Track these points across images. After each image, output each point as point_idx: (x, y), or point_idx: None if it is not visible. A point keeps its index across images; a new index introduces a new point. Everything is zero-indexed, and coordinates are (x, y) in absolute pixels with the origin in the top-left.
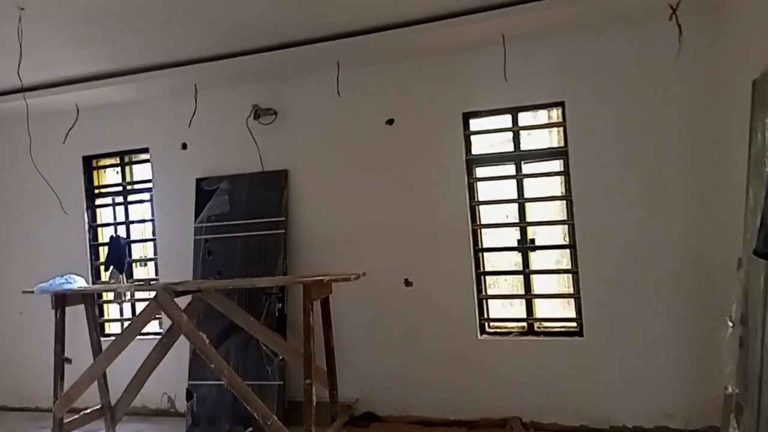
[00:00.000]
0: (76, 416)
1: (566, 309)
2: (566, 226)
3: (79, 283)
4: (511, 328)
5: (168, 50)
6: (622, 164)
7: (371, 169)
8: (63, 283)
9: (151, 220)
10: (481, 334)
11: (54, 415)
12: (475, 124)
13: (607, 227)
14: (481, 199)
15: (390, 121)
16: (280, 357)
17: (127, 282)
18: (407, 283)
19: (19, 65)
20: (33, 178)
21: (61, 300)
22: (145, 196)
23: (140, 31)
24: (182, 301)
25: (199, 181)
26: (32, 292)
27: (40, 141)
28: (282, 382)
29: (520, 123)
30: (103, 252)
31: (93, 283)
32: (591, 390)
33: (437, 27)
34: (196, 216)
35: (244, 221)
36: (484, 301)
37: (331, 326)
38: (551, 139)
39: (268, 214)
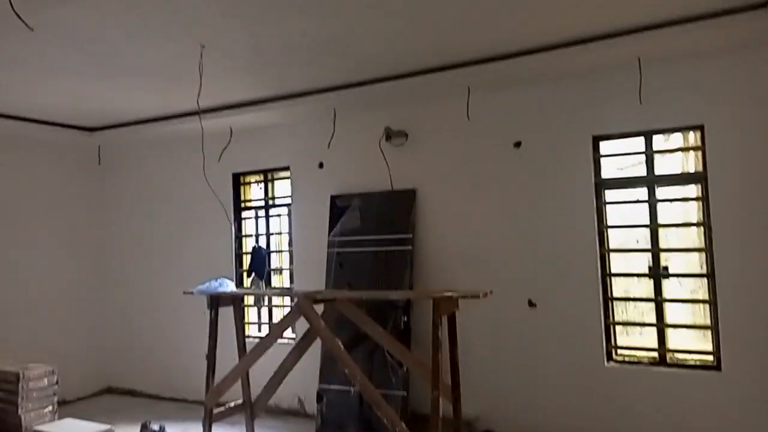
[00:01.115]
0: (222, 409)
1: (701, 341)
2: (703, 254)
3: (230, 287)
4: (641, 357)
5: (312, 78)
6: (766, 190)
7: (497, 190)
8: (218, 286)
9: (289, 233)
10: (608, 361)
11: (205, 406)
12: (605, 147)
13: (750, 256)
14: (610, 223)
15: (518, 144)
16: (405, 368)
17: (266, 288)
18: (531, 304)
19: (198, 94)
20: (189, 192)
21: (216, 301)
22: (284, 210)
23: (292, 62)
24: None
25: (333, 197)
26: (192, 293)
27: (197, 159)
28: (406, 393)
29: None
30: (247, 260)
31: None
32: (729, 429)
33: (572, 52)
34: (330, 230)
35: (374, 237)
36: (612, 327)
37: (457, 342)
38: (685, 163)
39: (396, 230)
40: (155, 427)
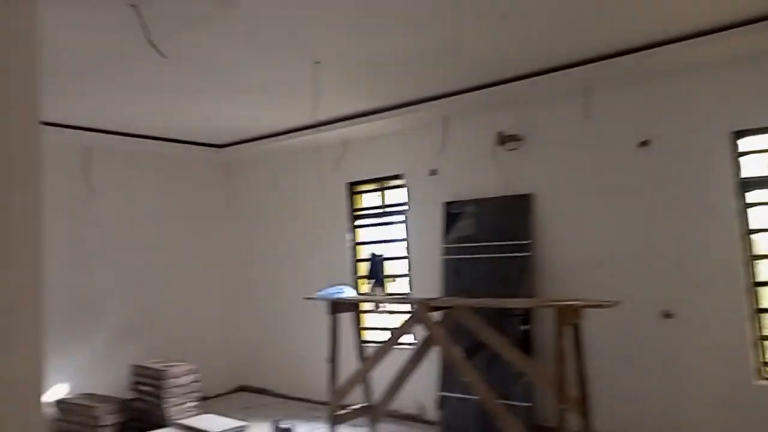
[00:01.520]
0: (345, 411)
1: None
2: None
3: (349, 293)
4: None
5: (424, 87)
6: None
7: (622, 193)
8: (336, 293)
9: (404, 240)
10: (758, 378)
11: (329, 407)
12: (745, 143)
13: None
14: (755, 226)
15: (644, 143)
16: (527, 378)
17: (383, 294)
18: (667, 315)
19: (314, 110)
20: (308, 202)
21: (335, 307)
22: (398, 217)
23: (404, 72)
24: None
25: (447, 204)
26: (313, 298)
27: (315, 170)
28: (530, 404)
29: None
30: (362, 267)
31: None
32: None
33: (708, 41)
34: (444, 237)
35: (490, 243)
36: (761, 341)
37: (582, 353)
38: None
39: (514, 236)
40: (285, 426)
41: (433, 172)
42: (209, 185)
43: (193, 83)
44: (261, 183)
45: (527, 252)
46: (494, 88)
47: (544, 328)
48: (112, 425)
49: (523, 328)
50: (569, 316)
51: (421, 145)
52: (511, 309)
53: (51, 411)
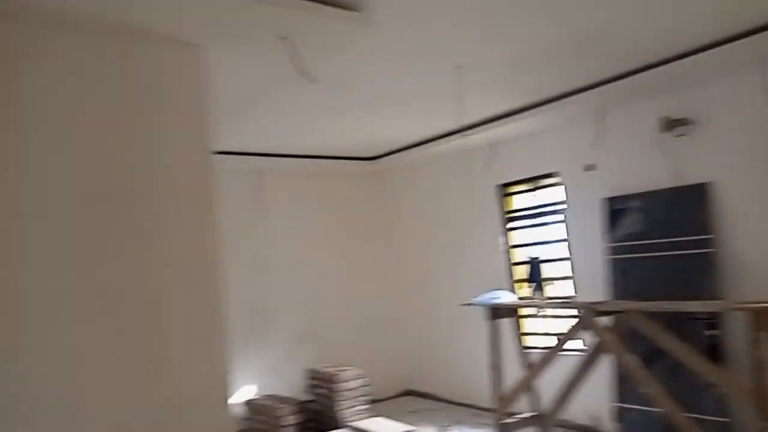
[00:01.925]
0: (512, 419)
1: None
2: None
3: (507, 298)
4: None
5: (574, 78)
6: None
7: None
8: (494, 298)
9: (562, 241)
10: None
11: (495, 415)
12: None
13: None
14: None
15: None
16: (719, 390)
17: (545, 298)
18: None
19: (458, 116)
20: (460, 206)
21: (494, 313)
22: (554, 217)
23: (551, 66)
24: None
25: (608, 200)
26: (470, 304)
27: (464, 175)
28: (727, 420)
29: None
30: (518, 270)
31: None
32: None
33: None
34: (608, 235)
35: (662, 240)
36: None
37: None
38: None
39: (690, 232)
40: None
41: (589, 167)
42: (366, 196)
43: (343, 102)
44: (413, 191)
45: (708, 248)
46: (654, 70)
47: (735, 334)
48: (293, 425)
49: (709, 333)
50: (766, 320)
51: (574, 139)
52: (693, 313)
53: (240, 410)
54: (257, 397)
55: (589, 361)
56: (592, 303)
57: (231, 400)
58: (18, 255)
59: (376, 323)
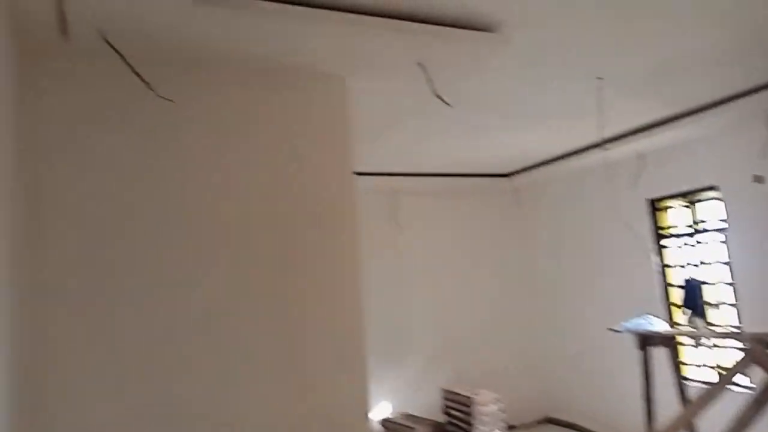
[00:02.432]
0: None
1: None
2: None
3: (658, 324)
4: None
5: (736, 81)
6: None
7: None
8: (644, 324)
9: (725, 262)
10: None
11: None
12: None
13: None
14: None
15: None
16: None
17: (705, 327)
18: None
19: (601, 127)
20: (604, 224)
21: (645, 340)
22: (716, 236)
23: (708, 69)
24: None
25: None
26: (617, 331)
27: (607, 190)
28: None
29: None
30: (674, 293)
31: (669, 326)
32: None
33: None
34: None
35: None
36: None
37: None
38: None
39: None
40: None
41: (758, 179)
42: (501, 214)
43: (479, 120)
44: (552, 207)
45: None
46: None
47: None
48: None
49: None
50: None
51: (737, 148)
52: None
53: (377, 428)
54: (393, 415)
55: (759, 401)
56: (761, 334)
57: (369, 417)
58: (168, 285)
59: (514, 344)
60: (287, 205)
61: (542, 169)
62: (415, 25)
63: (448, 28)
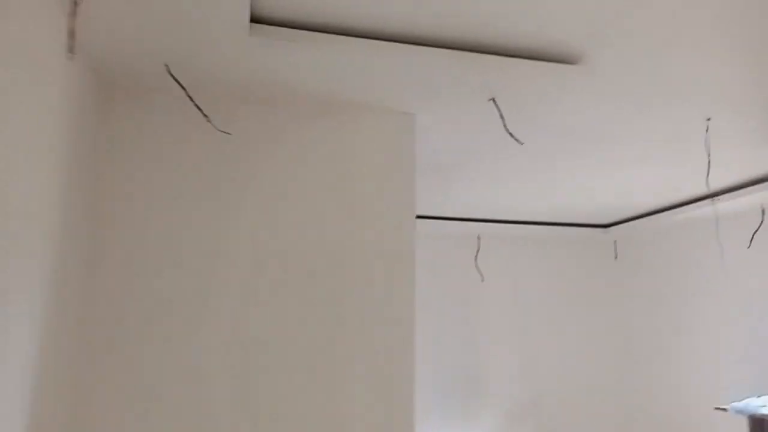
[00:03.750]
0: None
1: None
2: None
3: None
4: None
5: None
6: None
7: None
8: (760, 406)
9: None
10: None
11: None
12: None
13: None
14: None
15: None
16: None
17: None
18: None
19: (708, 174)
20: (714, 282)
21: (759, 426)
22: None
23: None
24: None
25: None
26: (725, 410)
27: (726, 245)
28: None
29: None
30: None
31: None
32: None
33: None
34: None
35: None
36: None
37: None
38: None
39: None
40: None
41: None
42: (596, 267)
43: (565, 162)
44: (653, 262)
45: None
46: None
47: None
48: None
49: None
50: None
51: None
52: None
53: None
54: None
55: None
56: None
57: None
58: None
59: (603, 407)
60: (342, 250)
61: (643, 221)
62: (488, 57)
63: (522, 60)
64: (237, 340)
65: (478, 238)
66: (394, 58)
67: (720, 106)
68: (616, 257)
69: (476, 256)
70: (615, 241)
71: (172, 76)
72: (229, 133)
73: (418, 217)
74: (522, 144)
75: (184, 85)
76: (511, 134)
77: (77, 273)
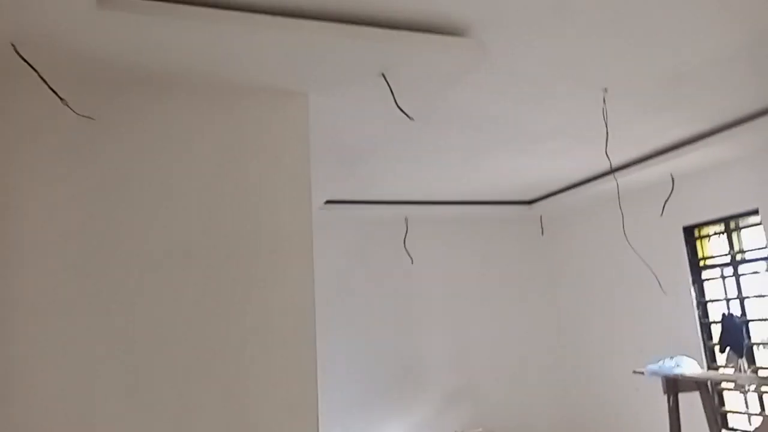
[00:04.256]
0: None
1: None
2: None
3: (689, 367)
4: None
5: (764, 95)
6: None
7: None
8: (673, 367)
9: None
10: None
11: None
12: None
13: None
14: None
15: None
16: None
17: (748, 368)
18: None
19: (606, 146)
20: (632, 255)
21: (673, 385)
22: (760, 266)
23: (738, 79)
24: None
25: None
26: (641, 373)
27: (635, 216)
28: None
29: None
30: (716, 331)
31: (707, 367)
32: None
33: None
34: None
35: None
36: None
37: None
38: None
39: None
40: None
41: None
42: (522, 244)
43: (479, 143)
44: (575, 237)
45: None
46: None
47: None
48: None
49: None
50: None
51: None
52: None
53: None
54: None
55: None
56: None
57: None
58: (115, 314)
59: (536, 386)
60: (236, 239)
61: (561, 196)
62: (375, 29)
63: (410, 32)
64: (126, 338)
65: (406, 220)
66: (274, 34)
67: (615, 78)
68: (542, 233)
69: (405, 239)
70: (540, 216)
71: (19, 55)
72: (93, 118)
73: (343, 202)
74: (412, 120)
75: (39, 67)
76: (401, 109)
77: None
